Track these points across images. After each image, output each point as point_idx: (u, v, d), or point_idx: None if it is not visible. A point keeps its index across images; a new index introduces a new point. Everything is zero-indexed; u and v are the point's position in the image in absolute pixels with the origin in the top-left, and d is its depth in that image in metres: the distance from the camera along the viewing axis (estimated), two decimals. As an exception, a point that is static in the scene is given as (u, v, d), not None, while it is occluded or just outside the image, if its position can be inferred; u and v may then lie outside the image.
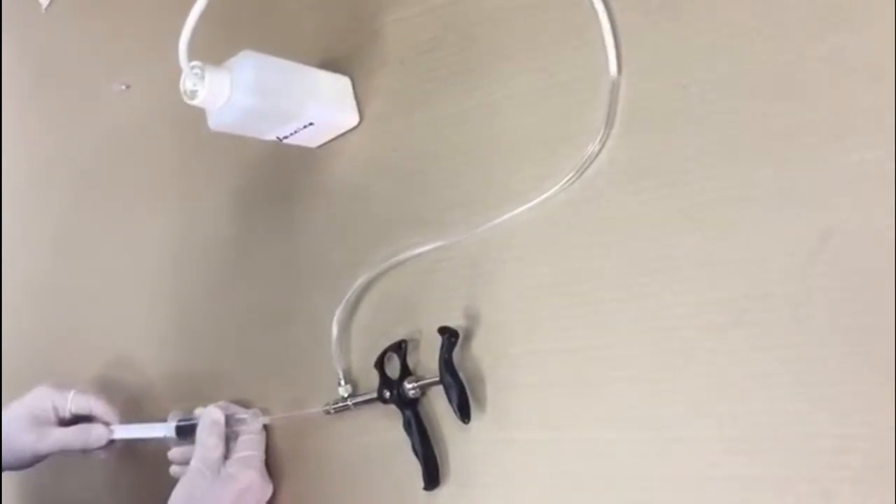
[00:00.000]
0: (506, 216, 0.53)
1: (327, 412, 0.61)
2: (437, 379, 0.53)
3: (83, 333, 0.88)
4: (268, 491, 0.64)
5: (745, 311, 0.44)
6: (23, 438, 0.67)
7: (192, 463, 0.61)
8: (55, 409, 0.69)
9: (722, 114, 0.46)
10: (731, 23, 0.46)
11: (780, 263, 0.43)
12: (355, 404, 0.59)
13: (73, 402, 0.70)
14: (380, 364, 0.58)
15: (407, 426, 0.56)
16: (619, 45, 0.50)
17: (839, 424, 0.41)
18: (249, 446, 0.63)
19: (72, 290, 0.91)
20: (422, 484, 0.55)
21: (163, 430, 0.68)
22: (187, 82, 0.52)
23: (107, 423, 0.70)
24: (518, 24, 0.55)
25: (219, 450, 0.62)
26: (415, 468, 0.55)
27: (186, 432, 0.66)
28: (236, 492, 0.60)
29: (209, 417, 0.64)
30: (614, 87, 0.49)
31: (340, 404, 0.60)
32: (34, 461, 0.69)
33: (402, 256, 0.58)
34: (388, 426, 0.58)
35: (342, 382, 0.60)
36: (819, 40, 0.43)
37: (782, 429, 0.42)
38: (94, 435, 0.69)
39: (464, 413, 0.52)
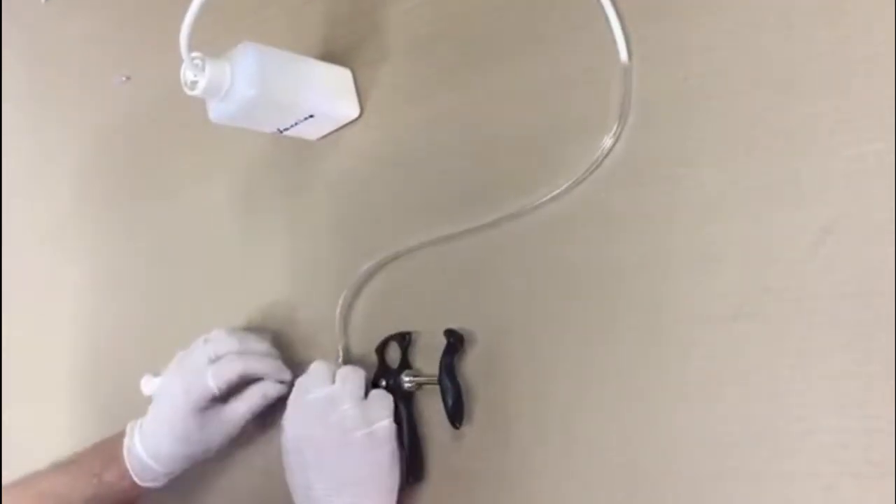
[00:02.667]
0: (512, 214, 0.53)
1: None
2: (435, 378, 0.53)
3: (83, 329, 0.88)
4: None
5: (745, 304, 0.44)
6: (207, 431, 0.61)
7: (337, 402, 0.55)
8: (206, 397, 0.61)
9: (721, 107, 0.46)
10: (731, 16, 0.46)
11: (781, 257, 0.43)
12: None
13: (215, 381, 0.60)
14: (380, 351, 0.58)
15: (397, 417, 0.56)
16: (628, 32, 0.49)
17: (840, 418, 0.41)
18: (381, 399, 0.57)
19: (72, 282, 0.91)
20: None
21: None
22: (188, 73, 0.52)
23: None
24: (521, 14, 0.54)
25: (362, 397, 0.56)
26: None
27: None
28: (391, 442, 0.54)
29: (354, 373, 0.57)
30: (627, 75, 0.49)
31: None
32: (224, 447, 0.64)
33: (403, 248, 0.58)
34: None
35: (340, 361, 0.60)
36: (820, 33, 0.43)
37: (782, 423, 0.42)
38: (266, 387, 0.61)
39: (456, 418, 0.52)
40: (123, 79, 0.86)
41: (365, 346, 0.60)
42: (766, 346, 0.43)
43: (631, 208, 0.48)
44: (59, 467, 0.64)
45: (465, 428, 0.53)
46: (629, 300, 0.48)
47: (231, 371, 0.61)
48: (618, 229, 0.49)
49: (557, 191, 0.51)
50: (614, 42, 0.49)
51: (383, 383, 0.57)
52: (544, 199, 0.51)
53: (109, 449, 0.65)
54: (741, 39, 0.45)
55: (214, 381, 0.60)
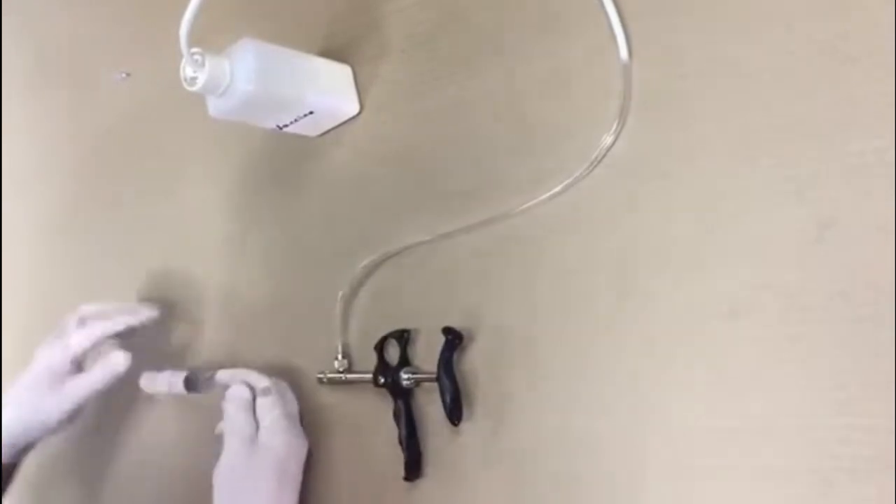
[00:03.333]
0: (511, 211, 0.53)
1: (320, 380, 0.62)
2: (433, 376, 0.53)
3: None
4: (304, 447, 0.62)
5: (744, 301, 0.44)
6: (45, 404, 0.61)
7: (229, 440, 0.60)
8: (65, 361, 0.62)
9: (722, 104, 0.45)
10: (731, 13, 0.46)
11: (780, 254, 0.43)
12: (349, 380, 0.60)
13: (76, 340, 0.62)
14: (379, 348, 0.58)
15: (396, 414, 0.56)
16: (628, 29, 0.49)
17: (839, 415, 0.41)
18: (270, 410, 0.61)
19: (73, 278, 0.91)
20: (401, 473, 0.56)
21: (168, 377, 0.65)
22: (187, 69, 0.52)
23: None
24: (520, 11, 0.54)
25: (251, 425, 0.61)
26: (395, 456, 0.56)
27: (195, 385, 0.65)
28: (277, 462, 0.59)
29: (236, 394, 0.62)
30: (626, 72, 0.49)
31: (334, 375, 0.61)
32: (66, 424, 0.64)
33: (402, 245, 0.58)
34: (375, 410, 0.58)
35: (339, 356, 0.61)
36: (820, 29, 0.43)
37: (782, 419, 0.42)
38: (112, 360, 0.62)
39: (454, 416, 0.52)
40: (123, 75, 0.86)
41: (364, 342, 0.60)
42: (765, 343, 0.43)
43: (630, 206, 0.48)
44: None
45: (465, 424, 0.53)
46: (628, 297, 0.48)
47: (94, 332, 0.61)
48: (617, 227, 0.49)
49: (557, 188, 0.51)
50: (614, 39, 0.49)
51: (382, 380, 0.57)
52: (544, 196, 0.51)
53: None
54: (741, 37, 0.45)
55: (78, 344, 0.61)
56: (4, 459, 0.63)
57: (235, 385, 0.63)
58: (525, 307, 0.52)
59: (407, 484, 0.56)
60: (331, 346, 0.62)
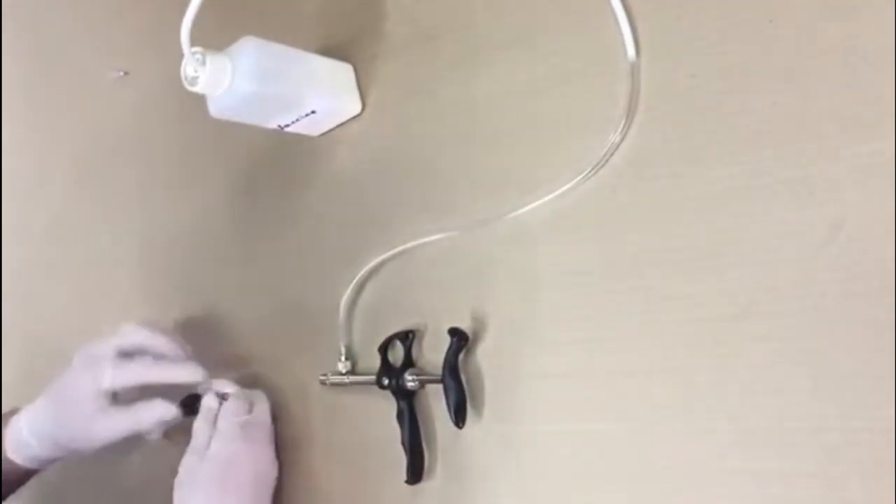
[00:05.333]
0: (517, 211, 0.52)
1: (323, 382, 0.61)
2: (438, 377, 0.53)
3: (82, 322, 0.88)
4: (263, 457, 0.61)
5: (752, 302, 0.44)
6: (81, 432, 0.60)
7: (186, 453, 0.60)
8: (97, 394, 0.60)
9: (731, 103, 0.45)
10: (739, 13, 0.45)
11: (789, 255, 0.43)
12: (352, 382, 0.60)
13: (110, 378, 0.60)
14: (383, 350, 0.58)
15: (399, 417, 0.56)
16: (635, 27, 0.49)
17: (846, 418, 0.41)
18: (225, 417, 0.61)
19: (72, 280, 0.90)
20: (404, 476, 0.55)
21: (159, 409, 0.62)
22: (188, 68, 0.52)
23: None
24: (525, 8, 0.54)
25: (205, 434, 0.60)
26: (398, 459, 0.56)
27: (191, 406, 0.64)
28: (219, 469, 0.58)
29: (204, 404, 0.62)
30: (634, 71, 0.48)
31: (337, 377, 0.60)
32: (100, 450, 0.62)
33: (406, 246, 0.58)
34: (379, 412, 0.58)
35: (343, 358, 0.60)
36: (829, 30, 0.42)
37: (788, 422, 0.42)
38: (159, 408, 0.60)
39: (459, 417, 0.52)
40: (121, 73, 0.86)
41: (368, 342, 0.60)
42: (773, 344, 0.43)
43: (638, 205, 0.48)
44: None
45: (470, 426, 0.53)
46: (635, 298, 0.48)
47: (134, 375, 0.60)
48: (624, 227, 0.48)
49: (565, 187, 0.50)
50: (621, 38, 0.48)
51: (386, 382, 0.56)
52: (551, 195, 0.51)
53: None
54: (749, 36, 0.45)
55: (112, 382, 0.59)
56: (29, 464, 0.63)
57: (206, 396, 0.62)
58: (530, 307, 0.52)
59: (411, 486, 0.56)
60: (334, 347, 0.61)
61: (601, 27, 0.50)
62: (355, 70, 0.63)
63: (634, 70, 0.48)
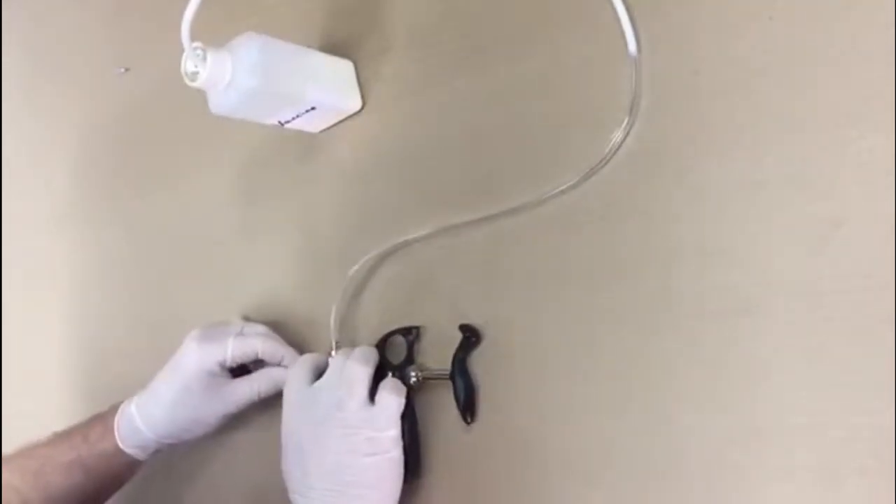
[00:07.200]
0: (518, 208, 0.52)
1: None
2: (445, 373, 0.52)
3: (81, 320, 0.88)
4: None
5: (752, 299, 0.44)
6: (204, 406, 0.61)
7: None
8: (220, 365, 0.61)
9: (732, 100, 0.45)
10: (740, 8, 0.45)
11: (789, 251, 0.43)
12: None
13: (234, 347, 0.61)
14: (381, 345, 0.57)
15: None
16: (636, 23, 0.48)
17: (846, 414, 0.41)
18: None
19: (71, 276, 0.90)
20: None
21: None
22: (189, 64, 0.51)
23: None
24: (526, 4, 0.54)
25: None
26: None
27: None
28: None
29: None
30: (635, 67, 0.48)
31: None
32: (219, 426, 0.64)
33: (405, 241, 0.58)
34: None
35: (333, 353, 0.59)
36: (830, 25, 0.42)
37: (789, 418, 0.42)
38: (275, 373, 0.62)
39: (469, 413, 0.52)
40: (122, 70, 0.86)
41: (367, 338, 0.60)
42: (773, 340, 0.43)
43: (640, 202, 0.48)
44: (60, 432, 0.64)
45: (471, 423, 0.53)
46: (636, 294, 0.48)
47: (252, 346, 0.61)
48: (627, 223, 0.48)
49: (567, 184, 0.50)
50: (623, 34, 0.48)
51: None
52: (553, 192, 0.51)
53: (106, 412, 0.65)
54: (750, 32, 0.45)
55: (232, 352, 0.60)
56: (137, 454, 0.63)
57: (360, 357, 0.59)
58: (532, 304, 0.52)
59: (413, 483, 0.55)
60: (332, 342, 0.61)
61: (602, 23, 0.50)
62: (356, 67, 0.62)
63: (636, 67, 0.48)
